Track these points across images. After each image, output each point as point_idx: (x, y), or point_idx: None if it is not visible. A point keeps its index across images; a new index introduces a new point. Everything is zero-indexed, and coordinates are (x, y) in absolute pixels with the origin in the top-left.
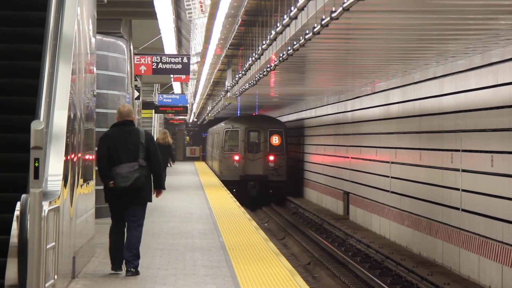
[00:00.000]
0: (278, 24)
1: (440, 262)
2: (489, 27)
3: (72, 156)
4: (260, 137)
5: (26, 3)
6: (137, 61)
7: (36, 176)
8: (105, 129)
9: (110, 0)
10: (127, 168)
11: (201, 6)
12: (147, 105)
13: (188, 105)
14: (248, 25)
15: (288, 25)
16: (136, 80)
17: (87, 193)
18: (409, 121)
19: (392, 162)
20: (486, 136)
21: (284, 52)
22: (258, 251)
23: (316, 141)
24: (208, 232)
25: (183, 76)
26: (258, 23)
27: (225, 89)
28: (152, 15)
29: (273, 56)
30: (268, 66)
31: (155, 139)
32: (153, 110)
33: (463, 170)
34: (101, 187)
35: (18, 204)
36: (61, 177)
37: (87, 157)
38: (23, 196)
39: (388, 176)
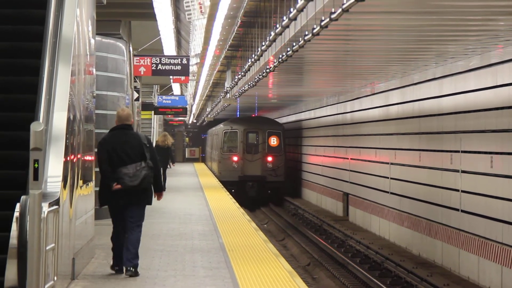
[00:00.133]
0: (277, 25)
1: (439, 263)
2: (489, 28)
3: (72, 157)
4: (259, 138)
5: (26, 1)
6: (136, 62)
7: (36, 178)
8: (104, 131)
9: (109, 1)
10: (134, 168)
11: (201, 7)
12: (146, 107)
13: (187, 106)
14: (248, 26)
15: (287, 26)
16: (135, 81)
17: (87, 194)
18: (408, 122)
19: (392, 163)
20: (485, 137)
21: (284, 53)
22: (257, 252)
23: (316, 142)
24: (208, 233)
25: (183, 77)
26: (257, 24)
27: (225, 90)
28: (152, 16)
29: (272, 58)
30: (267, 67)
31: (155, 141)
32: (153, 112)
33: (463, 171)
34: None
35: (18, 205)
36: (60, 178)
37: (86, 158)
38: (23, 197)
39: (388, 177)
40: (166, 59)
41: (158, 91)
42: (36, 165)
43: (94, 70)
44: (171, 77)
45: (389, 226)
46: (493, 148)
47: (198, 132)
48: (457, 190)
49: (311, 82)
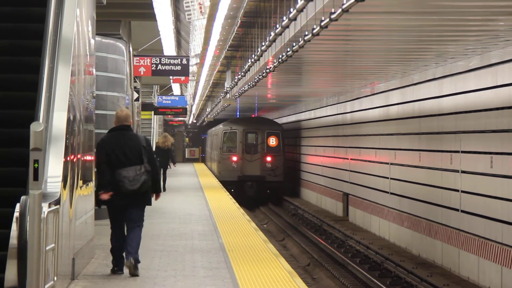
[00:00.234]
0: (277, 26)
1: (439, 263)
2: (489, 28)
3: (72, 157)
4: (258, 139)
5: None
6: (136, 62)
7: (36, 178)
8: (104, 131)
9: (109, 1)
10: (134, 171)
11: (200, 8)
12: (146, 107)
13: (187, 107)
14: (247, 27)
15: (287, 26)
16: (135, 81)
17: (87, 194)
18: (408, 122)
19: (392, 163)
20: (485, 137)
21: (283, 54)
22: (257, 252)
23: (316, 142)
24: (208, 233)
25: (183, 78)
26: (257, 24)
27: (224, 90)
28: (152, 16)
29: (271, 58)
30: (267, 68)
31: (155, 142)
32: (153, 112)
33: (463, 171)
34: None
35: (18, 205)
36: (60, 178)
37: (86, 158)
38: (23, 197)
39: (388, 177)
40: (166, 59)
41: (158, 91)
42: (36, 165)
43: (94, 70)
44: (171, 77)
45: (389, 226)
46: (493, 148)
47: (198, 133)
48: (457, 190)
49: (311, 82)
